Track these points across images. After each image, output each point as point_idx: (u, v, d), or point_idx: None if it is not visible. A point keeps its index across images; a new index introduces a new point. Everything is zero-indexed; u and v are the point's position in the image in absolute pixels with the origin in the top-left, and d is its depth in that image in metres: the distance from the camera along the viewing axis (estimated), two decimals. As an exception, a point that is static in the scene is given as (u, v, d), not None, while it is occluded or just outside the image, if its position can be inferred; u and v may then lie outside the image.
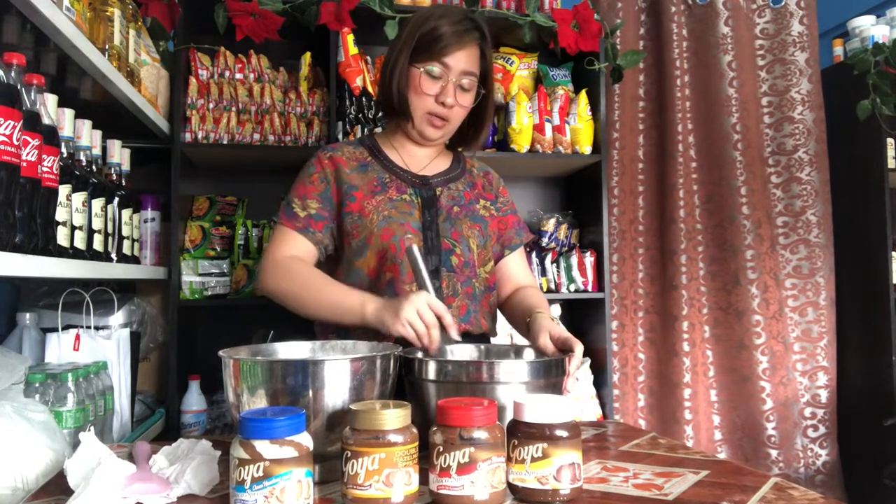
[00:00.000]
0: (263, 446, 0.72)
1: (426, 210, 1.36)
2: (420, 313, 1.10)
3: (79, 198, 1.29)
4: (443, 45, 1.32)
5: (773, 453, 2.58)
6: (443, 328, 1.13)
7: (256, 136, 2.16)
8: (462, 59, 1.34)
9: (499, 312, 1.50)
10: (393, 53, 1.38)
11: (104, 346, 1.62)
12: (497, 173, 1.56)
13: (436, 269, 1.32)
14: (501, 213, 1.49)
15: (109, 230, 1.49)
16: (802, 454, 2.61)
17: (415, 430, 0.79)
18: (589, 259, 2.40)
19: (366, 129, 2.18)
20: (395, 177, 1.39)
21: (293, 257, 1.31)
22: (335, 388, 0.86)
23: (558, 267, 2.42)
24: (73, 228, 1.26)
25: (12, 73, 0.99)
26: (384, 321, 1.14)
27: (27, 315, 1.63)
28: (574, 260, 2.39)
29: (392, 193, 1.36)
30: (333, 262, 1.39)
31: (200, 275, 2.16)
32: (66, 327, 1.56)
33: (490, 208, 1.46)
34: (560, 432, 0.80)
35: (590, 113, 2.39)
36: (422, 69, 1.34)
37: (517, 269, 1.50)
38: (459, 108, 1.37)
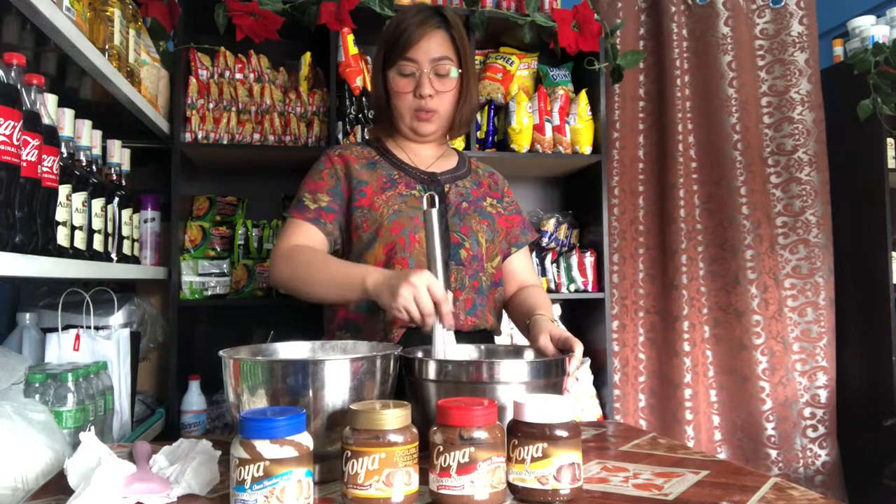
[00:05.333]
0: (264, 446, 0.72)
1: None
2: (418, 299, 1.05)
3: (79, 198, 1.29)
4: (405, 38, 1.34)
5: (773, 453, 2.58)
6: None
7: (256, 136, 2.16)
8: (428, 48, 1.35)
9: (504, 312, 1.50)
10: (373, 68, 1.43)
11: (104, 346, 1.62)
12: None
13: (444, 262, 1.32)
14: (508, 213, 1.50)
15: (109, 230, 1.49)
16: (802, 454, 2.61)
17: (415, 430, 0.80)
18: (589, 259, 2.40)
19: (366, 129, 2.18)
20: (404, 173, 1.40)
21: (299, 245, 1.30)
22: (335, 388, 0.86)
23: (558, 267, 2.42)
24: (73, 228, 1.26)
25: (12, 73, 0.99)
26: (381, 298, 1.11)
27: (27, 315, 1.63)
28: (574, 260, 2.39)
29: (401, 189, 1.37)
30: (341, 257, 1.39)
31: (200, 275, 2.16)
32: (66, 327, 1.56)
33: (497, 206, 1.47)
34: (560, 432, 0.80)
35: (590, 113, 2.39)
36: (393, 70, 1.36)
37: (522, 268, 1.51)
38: (442, 95, 1.37)
